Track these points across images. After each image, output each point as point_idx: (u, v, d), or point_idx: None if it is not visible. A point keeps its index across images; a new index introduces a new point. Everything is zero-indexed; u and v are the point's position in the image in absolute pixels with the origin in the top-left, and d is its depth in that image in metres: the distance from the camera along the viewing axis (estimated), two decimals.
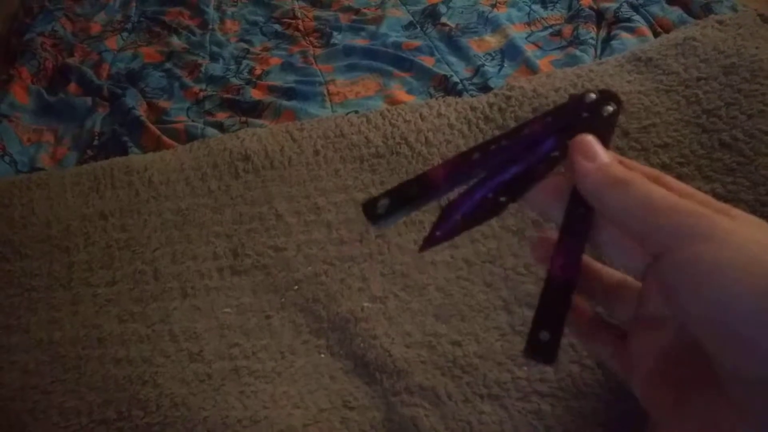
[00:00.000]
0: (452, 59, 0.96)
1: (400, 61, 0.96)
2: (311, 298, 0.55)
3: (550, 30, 1.00)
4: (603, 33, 0.98)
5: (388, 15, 1.11)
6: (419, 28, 1.07)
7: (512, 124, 0.66)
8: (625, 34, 0.92)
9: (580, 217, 0.27)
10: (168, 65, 1.00)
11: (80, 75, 0.97)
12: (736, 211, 0.24)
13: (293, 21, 1.13)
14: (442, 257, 0.56)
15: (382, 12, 1.13)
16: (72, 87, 0.96)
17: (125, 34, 1.12)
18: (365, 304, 0.54)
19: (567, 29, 0.98)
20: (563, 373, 0.46)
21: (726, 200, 0.52)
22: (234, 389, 0.49)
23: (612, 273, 0.30)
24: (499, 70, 0.92)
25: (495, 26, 1.03)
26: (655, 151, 0.58)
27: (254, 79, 0.96)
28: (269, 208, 0.63)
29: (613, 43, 0.91)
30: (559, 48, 0.96)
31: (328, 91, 0.92)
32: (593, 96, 0.28)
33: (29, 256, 0.61)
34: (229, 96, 0.91)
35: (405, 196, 0.27)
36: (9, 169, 0.79)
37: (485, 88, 0.86)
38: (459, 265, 0.55)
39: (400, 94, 0.89)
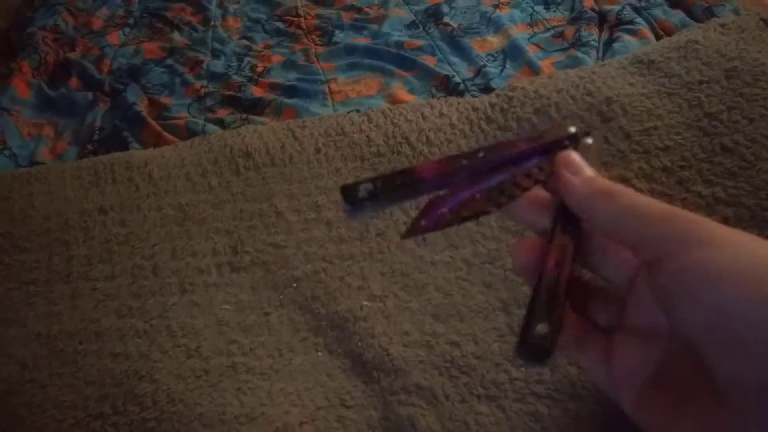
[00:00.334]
0: (454, 59, 0.96)
1: (402, 60, 0.96)
2: (310, 296, 0.55)
3: (553, 31, 1.00)
4: (605, 35, 0.97)
5: (391, 14, 1.11)
6: (421, 28, 1.06)
7: (514, 125, 0.66)
8: (627, 37, 0.92)
9: (570, 223, 0.28)
10: (169, 61, 1.00)
11: (81, 70, 0.97)
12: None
13: (295, 19, 1.13)
14: (441, 257, 0.56)
15: (384, 11, 1.13)
16: (73, 82, 0.96)
17: (127, 29, 1.12)
18: (364, 303, 0.54)
19: (569, 31, 0.98)
20: (560, 374, 0.46)
21: (727, 204, 0.52)
22: (231, 386, 0.49)
23: (590, 279, 0.30)
24: (501, 70, 0.92)
25: (497, 27, 1.03)
26: (656, 153, 0.58)
27: (256, 77, 0.96)
28: (269, 206, 0.63)
29: (615, 45, 0.91)
30: (561, 50, 0.96)
31: (329, 89, 0.92)
32: (573, 129, 0.30)
33: (28, 250, 0.61)
34: (230, 93, 0.91)
35: (389, 185, 0.27)
36: (9, 162, 0.79)
37: (487, 89, 0.86)
38: (458, 265, 0.55)
39: (402, 93, 0.89)
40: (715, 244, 0.22)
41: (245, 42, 1.07)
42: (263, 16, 1.16)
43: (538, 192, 0.29)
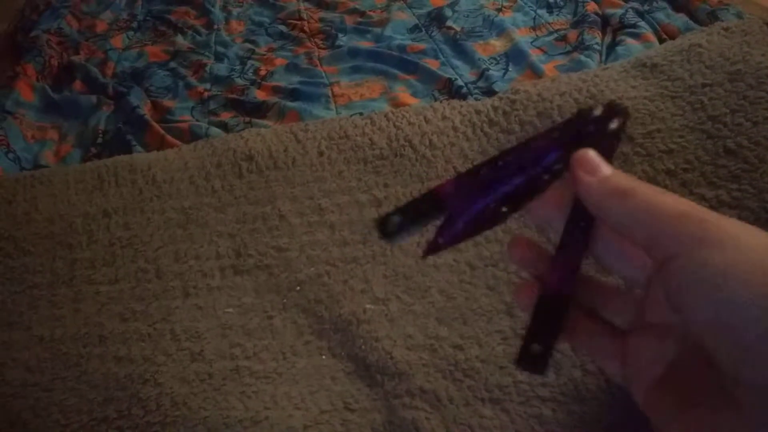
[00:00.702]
0: (457, 63, 0.96)
1: (404, 63, 0.96)
2: (313, 299, 0.55)
3: (555, 35, 1.00)
4: (608, 39, 0.97)
5: (394, 17, 1.11)
6: (424, 31, 1.07)
7: (517, 128, 0.66)
8: (630, 40, 0.92)
9: (580, 231, 0.28)
10: (173, 64, 1.00)
11: (85, 73, 0.97)
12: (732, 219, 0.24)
13: (299, 22, 1.13)
14: (445, 260, 0.56)
15: (387, 14, 1.13)
16: (77, 85, 0.96)
17: (131, 32, 1.13)
18: (367, 306, 0.54)
19: (572, 34, 0.98)
20: (565, 377, 0.46)
21: (731, 207, 0.52)
22: (235, 389, 0.49)
23: (606, 281, 0.30)
24: (504, 74, 0.92)
25: (500, 30, 1.03)
26: (659, 156, 0.58)
27: (259, 80, 0.96)
28: (272, 209, 0.63)
29: (618, 48, 0.91)
30: (564, 53, 0.96)
31: (332, 92, 0.92)
32: (598, 111, 0.29)
33: (32, 253, 0.61)
34: (233, 96, 0.91)
35: (415, 213, 0.28)
36: (13, 165, 0.79)
37: (490, 92, 0.86)
38: (462, 268, 0.55)
39: (405, 96, 0.89)
40: (724, 244, 0.22)
41: (248, 45, 1.07)
42: (266, 20, 1.16)
43: (557, 191, 0.29)
